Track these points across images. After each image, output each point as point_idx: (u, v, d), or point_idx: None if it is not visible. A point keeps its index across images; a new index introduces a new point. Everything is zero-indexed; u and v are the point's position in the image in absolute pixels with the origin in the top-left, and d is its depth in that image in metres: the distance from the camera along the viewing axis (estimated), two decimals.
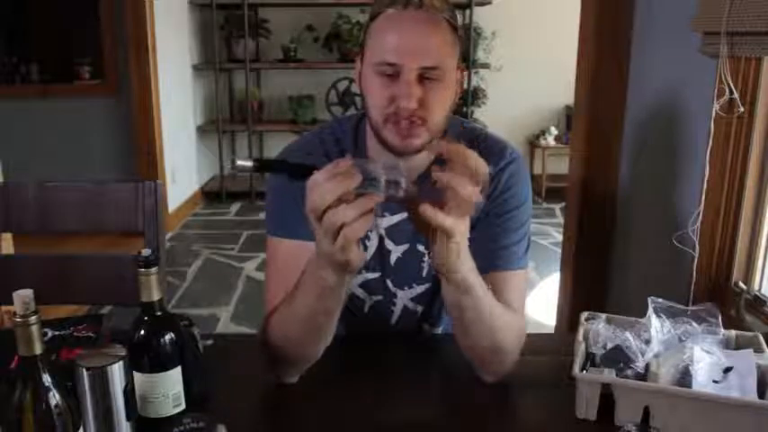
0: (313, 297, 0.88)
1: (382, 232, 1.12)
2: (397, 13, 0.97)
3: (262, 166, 0.82)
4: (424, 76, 0.95)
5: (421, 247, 1.12)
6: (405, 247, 1.12)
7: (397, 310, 1.17)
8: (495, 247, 1.04)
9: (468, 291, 0.89)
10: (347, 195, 0.75)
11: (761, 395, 0.90)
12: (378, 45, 0.97)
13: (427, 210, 0.78)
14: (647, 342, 0.97)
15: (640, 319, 1.03)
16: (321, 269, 0.84)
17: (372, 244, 1.13)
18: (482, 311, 0.92)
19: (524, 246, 1.08)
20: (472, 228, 1.06)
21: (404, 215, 1.11)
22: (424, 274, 1.14)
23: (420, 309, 1.18)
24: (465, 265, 0.86)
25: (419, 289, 1.15)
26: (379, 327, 1.19)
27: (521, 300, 1.06)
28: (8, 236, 2.32)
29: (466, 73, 1.12)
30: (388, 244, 1.12)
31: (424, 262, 1.13)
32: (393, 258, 1.13)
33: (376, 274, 1.14)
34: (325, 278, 0.84)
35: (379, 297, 1.17)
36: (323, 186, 0.75)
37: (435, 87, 0.96)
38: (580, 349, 0.98)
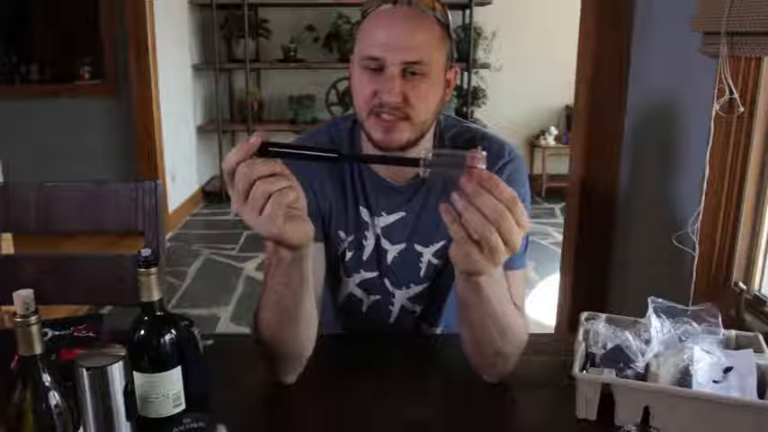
0: (278, 278, 0.88)
1: (379, 232, 1.12)
2: (385, 10, 0.99)
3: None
4: (409, 72, 0.96)
5: (418, 247, 1.12)
6: (401, 246, 1.12)
7: (395, 309, 1.17)
8: None
9: (476, 290, 0.86)
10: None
11: (761, 395, 0.90)
12: (365, 41, 0.99)
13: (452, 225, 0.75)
14: (647, 342, 0.97)
15: (640, 319, 1.03)
16: (275, 249, 0.84)
17: (370, 243, 1.13)
18: (485, 313, 0.90)
19: (523, 246, 1.07)
20: None
21: (400, 215, 1.11)
22: (422, 273, 1.14)
23: (418, 308, 1.18)
24: (475, 266, 0.80)
25: (417, 289, 1.15)
26: (377, 326, 1.19)
27: (520, 299, 1.06)
28: (8, 236, 2.32)
29: (458, 72, 1.12)
30: (385, 243, 1.12)
31: (421, 262, 1.13)
32: (389, 258, 1.13)
33: (373, 274, 1.14)
34: (281, 255, 0.84)
35: (377, 296, 1.17)
36: (250, 161, 0.75)
37: (419, 83, 0.97)
38: (580, 349, 0.98)
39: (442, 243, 1.11)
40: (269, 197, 0.74)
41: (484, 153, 0.74)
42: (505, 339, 0.95)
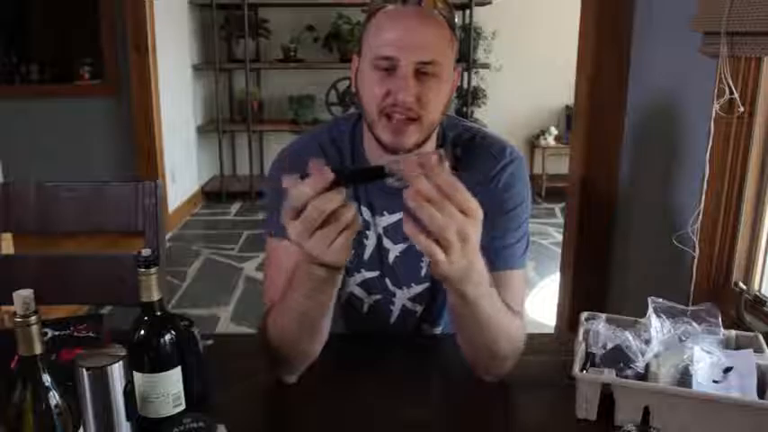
0: (305, 292, 0.88)
1: (380, 231, 1.12)
2: (395, 9, 0.98)
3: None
4: (421, 72, 0.96)
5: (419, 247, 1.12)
6: (403, 246, 1.12)
7: (396, 309, 1.17)
8: (493, 247, 1.04)
9: (464, 299, 0.86)
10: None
11: (761, 395, 0.90)
12: (375, 40, 0.98)
13: (408, 228, 0.78)
14: (647, 342, 0.97)
15: (640, 319, 1.03)
16: (310, 266, 0.84)
17: (371, 243, 1.13)
18: (478, 320, 0.90)
19: (523, 246, 1.08)
20: None
21: (401, 214, 1.11)
22: (423, 273, 1.14)
23: (419, 309, 1.18)
24: (456, 274, 0.82)
25: (418, 288, 1.15)
26: (377, 326, 1.19)
27: (520, 300, 1.06)
28: (8, 236, 2.32)
29: (459, 72, 1.13)
30: (387, 243, 1.12)
31: (422, 261, 1.13)
32: (391, 257, 1.13)
33: (375, 273, 1.14)
34: (316, 273, 0.84)
35: (378, 296, 1.17)
36: (324, 196, 0.75)
37: (431, 83, 0.97)
38: (580, 349, 0.98)
39: None
40: (343, 230, 0.77)
41: (441, 152, 0.77)
42: (502, 344, 0.95)
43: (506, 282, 1.03)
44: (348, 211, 0.77)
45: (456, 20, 1.02)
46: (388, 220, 1.11)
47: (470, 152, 1.10)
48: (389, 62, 0.96)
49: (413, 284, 1.15)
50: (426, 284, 1.15)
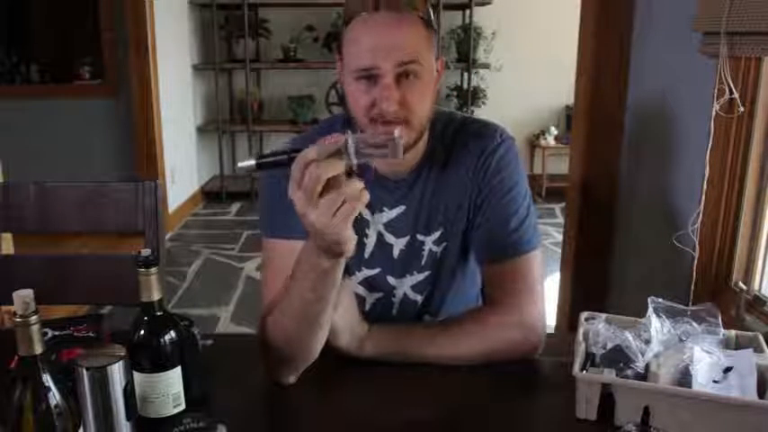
0: (308, 285, 0.87)
1: (381, 228, 1.12)
2: (368, 16, 0.97)
3: (264, 163, 0.82)
4: (402, 74, 0.96)
5: (420, 237, 1.13)
6: (406, 239, 1.13)
7: (398, 300, 1.17)
8: (499, 235, 1.05)
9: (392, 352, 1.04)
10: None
11: (761, 395, 0.90)
12: (353, 51, 0.98)
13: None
14: (647, 342, 0.97)
15: (640, 319, 1.03)
16: (315, 255, 0.84)
17: (370, 241, 1.13)
18: (424, 358, 1.05)
19: (529, 228, 1.08)
20: (474, 219, 1.08)
21: (401, 208, 1.11)
22: (423, 261, 1.14)
23: (420, 298, 1.18)
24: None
25: (419, 277, 1.16)
26: (379, 322, 1.19)
27: (533, 284, 1.06)
28: (8, 236, 2.32)
29: (444, 62, 1.12)
30: (389, 238, 1.13)
31: (423, 251, 1.13)
32: (396, 252, 1.13)
33: (375, 271, 1.15)
34: (320, 263, 0.84)
35: (380, 294, 1.17)
36: (323, 163, 0.75)
37: (414, 84, 0.97)
38: (580, 349, 0.98)
39: (441, 230, 1.12)
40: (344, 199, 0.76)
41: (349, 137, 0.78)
42: (488, 357, 1.02)
43: (516, 269, 1.05)
44: (351, 182, 0.76)
45: (431, 13, 1.01)
46: (389, 215, 1.12)
47: (461, 137, 1.10)
48: (369, 71, 0.96)
49: (414, 272, 1.15)
50: (427, 273, 1.15)
